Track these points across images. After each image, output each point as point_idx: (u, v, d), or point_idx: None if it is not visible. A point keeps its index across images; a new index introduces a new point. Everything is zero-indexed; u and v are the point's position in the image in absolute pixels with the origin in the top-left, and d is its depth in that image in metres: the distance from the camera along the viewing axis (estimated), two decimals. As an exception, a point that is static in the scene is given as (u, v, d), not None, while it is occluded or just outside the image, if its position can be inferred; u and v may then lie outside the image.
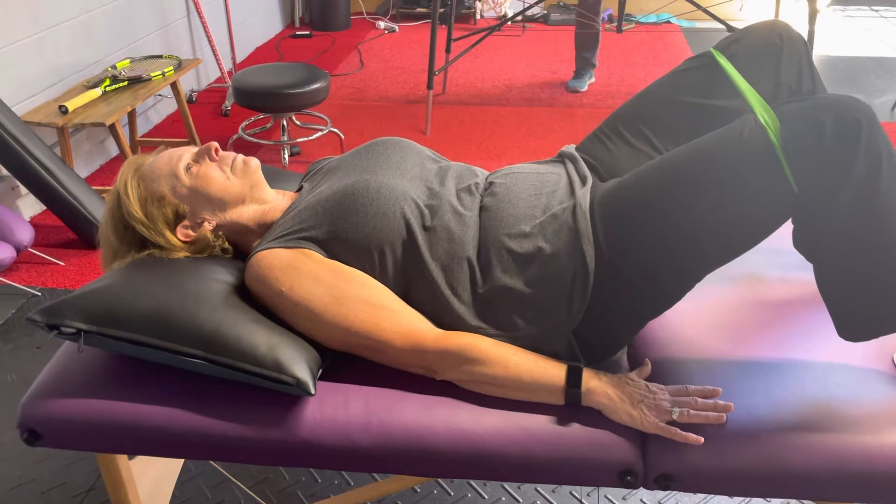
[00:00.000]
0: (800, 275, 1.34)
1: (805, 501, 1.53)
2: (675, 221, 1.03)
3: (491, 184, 1.24)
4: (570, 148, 1.31)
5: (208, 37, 3.66)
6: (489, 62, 4.32)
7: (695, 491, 1.05)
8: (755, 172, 0.98)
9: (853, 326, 1.04)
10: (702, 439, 0.99)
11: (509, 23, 4.90)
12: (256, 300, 1.13)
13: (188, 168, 1.22)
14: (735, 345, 1.19)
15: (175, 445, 1.08)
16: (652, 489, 1.05)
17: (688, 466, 1.02)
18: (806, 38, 3.00)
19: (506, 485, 1.60)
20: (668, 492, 1.15)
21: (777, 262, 1.37)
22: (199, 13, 3.64)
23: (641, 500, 1.51)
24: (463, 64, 4.26)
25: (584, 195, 1.15)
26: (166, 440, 1.08)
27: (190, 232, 1.21)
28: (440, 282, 1.12)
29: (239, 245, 1.25)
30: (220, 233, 1.22)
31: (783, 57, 1.24)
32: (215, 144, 1.24)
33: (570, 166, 1.25)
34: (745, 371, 1.13)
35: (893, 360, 1.13)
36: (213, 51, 3.69)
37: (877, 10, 5.18)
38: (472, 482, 1.60)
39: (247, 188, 1.23)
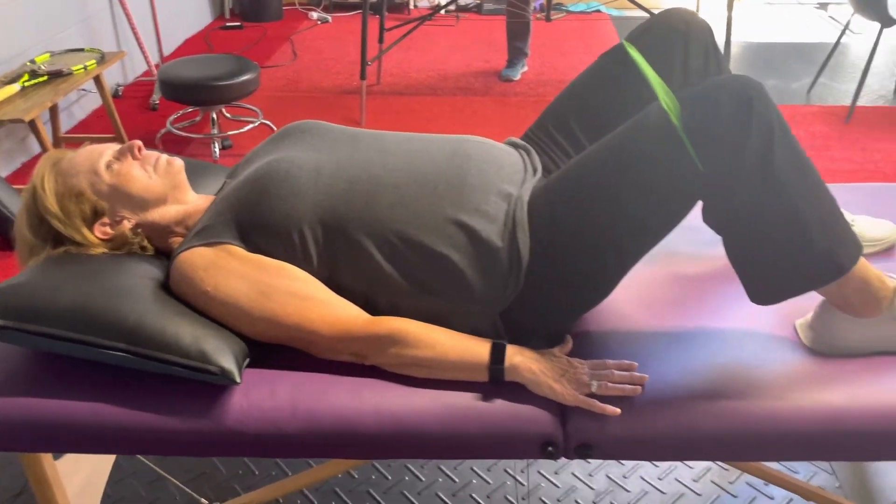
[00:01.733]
0: (711, 250, 1.40)
1: (720, 462, 1.61)
2: (597, 217, 1.07)
3: (456, 150, 1.21)
4: (517, 139, 1.34)
5: (133, 29, 3.57)
6: (423, 52, 4.33)
7: (614, 458, 1.10)
8: (663, 156, 1.03)
9: (762, 291, 1.09)
10: (618, 411, 1.04)
11: (443, 12, 4.92)
12: (183, 301, 1.13)
13: (109, 165, 1.20)
14: (652, 318, 1.24)
15: (100, 441, 1.07)
16: (572, 458, 1.10)
17: (606, 435, 1.07)
18: (725, 24, 3.11)
19: (443, 466, 1.63)
20: (598, 462, 1.20)
21: (690, 239, 1.44)
22: (123, 4, 3.54)
23: (573, 474, 1.57)
24: (397, 54, 4.26)
25: (528, 188, 1.18)
26: (90, 436, 1.07)
27: (108, 230, 1.20)
28: (370, 249, 1.12)
29: (159, 245, 1.24)
30: (140, 231, 1.21)
31: (690, 44, 1.30)
32: (138, 143, 1.22)
33: (524, 154, 1.28)
34: (660, 342, 1.18)
35: (795, 327, 1.20)
36: (139, 43, 3.60)
37: (795, -2, 5.39)
38: (410, 465, 1.62)
39: (168, 188, 1.22)
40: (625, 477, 1.58)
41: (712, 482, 1.59)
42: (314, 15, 4.97)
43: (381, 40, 3.71)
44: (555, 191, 1.14)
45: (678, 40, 1.30)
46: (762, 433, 1.07)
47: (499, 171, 1.19)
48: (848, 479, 1.59)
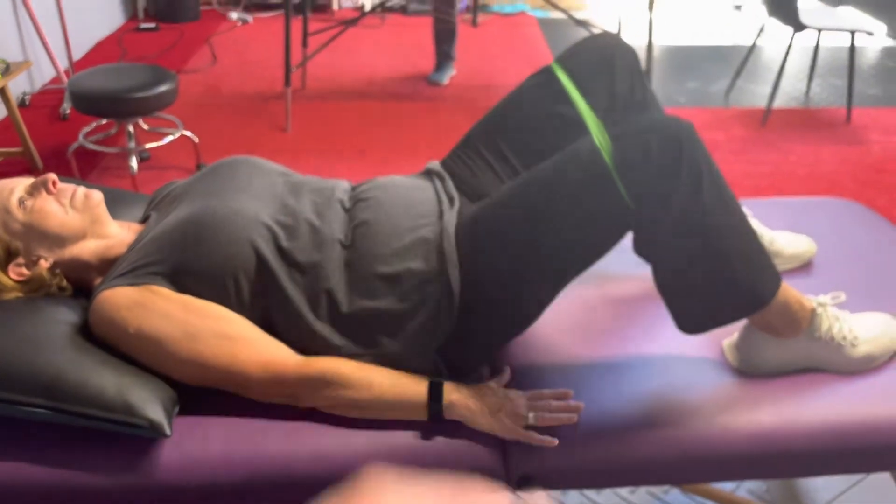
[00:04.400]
0: (641, 271, 1.43)
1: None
2: (527, 246, 1.08)
3: (358, 200, 1.23)
4: (436, 165, 1.33)
5: (40, 34, 3.38)
6: (349, 54, 4.27)
7: (555, 488, 1.11)
8: (595, 191, 1.04)
9: (689, 321, 1.13)
10: (555, 442, 1.05)
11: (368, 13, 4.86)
12: (104, 343, 1.07)
13: (22, 202, 1.13)
14: (585, 345, 1.26)
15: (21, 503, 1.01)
16: (514, 491, 1.10)
17: (545, 466, 1.08)
18: (646, 26, 3.19)
19: None
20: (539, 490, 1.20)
21: (623, 261, 1.46)
22: (28, 7, 3.35)
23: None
24: (322, 57, 4.19)
25: (450, 219, 1.17)
26: (14, 499, 1.01)
27: (24, 270, 1.13)
28: (300, 305, 1.10)
29: (79, 283, 1.18)
30: (58, 270, 1.15)
31: (616, 70, 1.32)
32: (53, 176, 1.16)
33: (439, 184, 1.27)
34: (593, 369, 1.20)
35: (722, 348, 1.24)
36: (47, 50, 3.41)
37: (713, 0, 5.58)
38: None
39: (87, 223, 1.16)
40: (563, 493, 1.60)
41: (647, 493, 1.63)
42: (233, 15, 4.83)
43: (305, 44, 3.64)
44: (485, 220, 1.13)
45: (606, 66, 1.32)
46: (696, 457, 1.10)
47: (408, 211, 1.19)
48: (776, 484, 1.66)
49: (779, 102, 3.69)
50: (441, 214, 1.19)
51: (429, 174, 1.31)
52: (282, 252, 1.12)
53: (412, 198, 1.22)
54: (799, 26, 3.21)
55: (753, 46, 3.64)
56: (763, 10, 3.42)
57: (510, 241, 1.09)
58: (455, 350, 1.13)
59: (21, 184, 1.16)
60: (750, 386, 1.17)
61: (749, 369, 1.19)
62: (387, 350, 1.11)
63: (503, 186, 1.17)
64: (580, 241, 1.07)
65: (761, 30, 3.57)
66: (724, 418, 1.12)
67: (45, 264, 1.14)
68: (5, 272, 1.13)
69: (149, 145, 2.86)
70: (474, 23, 3.57)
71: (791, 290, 1.15)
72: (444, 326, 1.11)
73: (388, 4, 5.10)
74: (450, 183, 1.27)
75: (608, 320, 1.32)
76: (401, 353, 1.11)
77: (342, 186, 1.27)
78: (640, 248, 1.11)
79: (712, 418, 1.12)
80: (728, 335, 1.25)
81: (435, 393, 1.07)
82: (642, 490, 1.64)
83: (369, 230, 1.16)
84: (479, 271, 1.11)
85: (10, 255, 1.13)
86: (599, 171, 1.03)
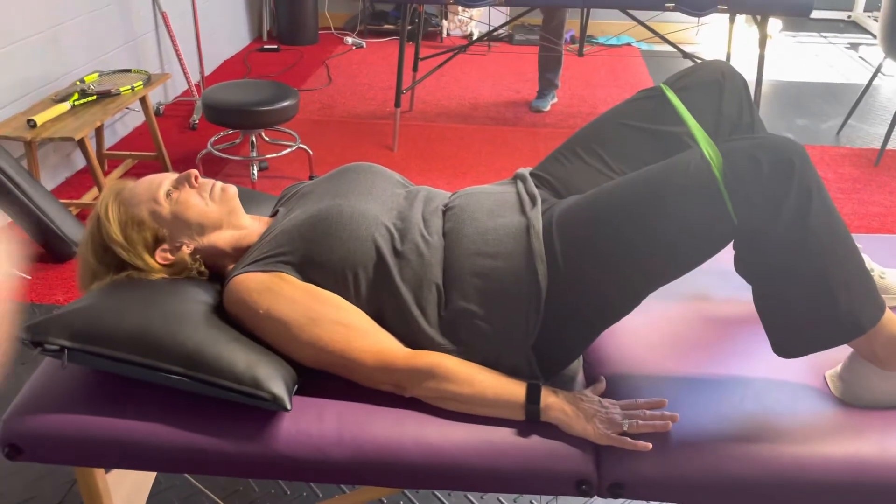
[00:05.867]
0: (744, 296, 1.44)
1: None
2: (627, 243, 1.11)
3: (449, 207, 1.31)
4: (524, 170, 1.39)
5: (177, 51, 3.69)
6: (455, 80, 4.41)
7: (644, 498, 1.14)
8: (699, 202, 1.07)
9: (785, 344, 1.14)
10: (650, 445, 1.08)
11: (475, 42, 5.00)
12: (235, 321, 1.19)
13: (168, 194, 1.27)
14: (682, 361, 1.28)
15: (154, 459, 1.13)
16: (605, 497, 1.14)
17: (637, 475, 1.10)
18: (756, 62, 3.16)
19: (469, 495, 1.66)
20: (621, 500, 1.23)
21: (724, 284, 1.48)
22: (168, 27, 3.66)
23: (598, 509, 1.60)
24: (429, 82, 4.35)
25: (536, 216, 1.22)
26: (146, 454, 1.12)
27: (168, 255, 1.26)
28: (410, 303, 1.18)
29: (215, 268, 1.30)
30: (198, 256, 1.28)
31: (725, 92, 1.34)
32: (195, 172, 1.29)
33: (521, 186, 1.33)
34: (690, 386, 1.22)
35: (825, 378, 1.24)
36: (182, 65, 3.71)
37: (825, 37, 5.42)
38: (437, 493, 1.66)
39: (224, 214, 1.29)
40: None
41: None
42: (349, 40, 5.08)
43: (415, 68, 3.80)
44: (578, 218, 1.17)
45: (715, 88, 1.35)
46: (791, 481, 1.10)
47: (491, 213, 1.25)
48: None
49: (894, 143, 3.55)
50: (523, 212, 1.24)
51: (514, 179, 1.38)
52: (397, 253, 1.21)
53: (496, 200, 1.29)
54: (921, 66, 3.09)
55: (869, 85, 3.53)
56: (879, 49, 3.32)
57: (603, 239, 1.12)
58: (545, 348, 1.17)
59: (168, 178, 1.30)
60: (852, 416, 1.16)
61: (852, 400, 1.18)
62: (482, 347, 1.17)
63: (599, 186, 1.20)
64: (680, 244, 1.08)
65: (878, 69, 3.46)
66: (824, 446, 1.11)
67: (186, 250, 1.27)
68: (153, 256, 1.26)
69: (268, 156, 3.06)
70: (580, 53, 3.63)
71: (900, 322, 1.14)
72: (533, 321, 1.16)
73: (495, 34, 5.24)
74: (531, 184, 1.32)
75: (708, 340, 1.33)
76: (497, 351, 1.17)
77: (443, 196, 1.35)
78: (741, 267, 1.13)
79: (811, 445, 1.12)
80: (832, 366, 1.24)
81: (533, 394, 1.13)
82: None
83: (455, 235, 1.23)
84: (567, 267, 1.14)
85: (158, 241, 1.26)
86: (706, 182, 1.05)
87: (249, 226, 1.32)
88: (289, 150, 3.11)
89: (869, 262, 1.41)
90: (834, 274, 1.06)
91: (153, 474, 1.58)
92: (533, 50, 4.92)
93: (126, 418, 1.13)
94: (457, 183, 3.13)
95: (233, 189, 1.32)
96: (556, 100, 4.05)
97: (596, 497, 1.15)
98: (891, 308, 1.38)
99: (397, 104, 3.36)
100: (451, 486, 1.13)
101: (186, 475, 1.68)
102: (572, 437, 1.12)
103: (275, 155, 3.09)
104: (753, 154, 1.04)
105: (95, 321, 1.12)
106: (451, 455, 1.11)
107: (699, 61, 1.41)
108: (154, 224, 1.25)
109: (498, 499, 1.65)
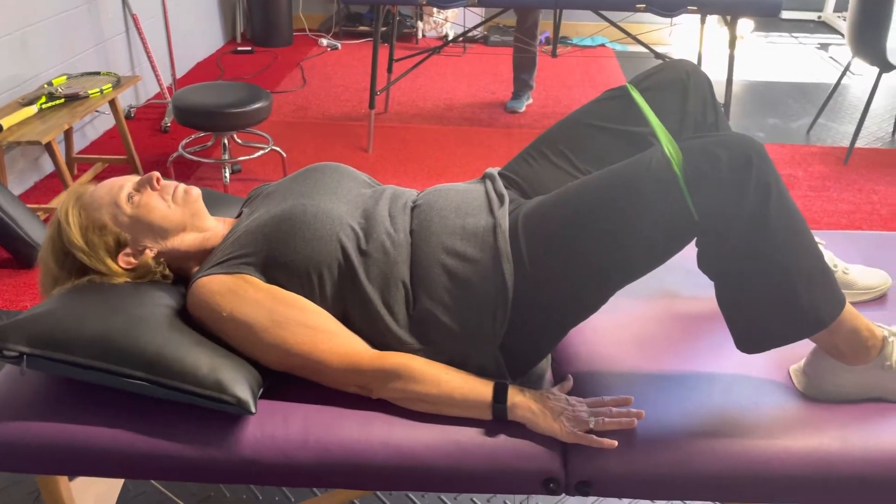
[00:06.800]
0: (710, 293, 1.45)
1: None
2: (592, 241, 1.11)
3: (417, 204, 1.30)
4: (493, 170, 1.40)
5: (148, 53, 3.65)
6: (430, 81, 4.41)
7: (611, 495, 1.14)
8: (661, 199, 1.07)
9: (747, 340, 1.15)
10: (615, 443, 1.08)
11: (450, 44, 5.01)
12: (199, 325, 1.17)
13: (130, 197, 1.25)
14: (649, 358, 1.29)
15: (118, 466, 1.11)
16: (573, 495, 1.14)
17: (604, 473, 1.11)
18: (727, 62, 3.19)
19: (443, 496, 1.66)
20: (592, 498, 1.23)
21: (690, 281, 1.49)
22: (139, 29, 3.62)
23: (570, 507, 1.60)
24: (404, 83, 4.34)
25: (503, 215, 1.22)
26: (109, 461, 1.11)
27: (131, 259, 1.25)
28: (377, 302, 1.18)
29: (179, 271, 1.29)
30: (162, 259, 1.26)
31: (689, 91, 1.36)
32: (157, 174, 1.28)
33: (489, 185, 1.33)
34: (656, 383, 1.23)
35: (789, 373, 1.25)
36: (153, 67, 3.68)
37: (796, 37, 5.49)
38: (411, 495, 1.66)
39: (188, 217, 1.27)
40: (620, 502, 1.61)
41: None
42: (324, 42, 5.06)
43: (390, 70, 3.79)
44: (543, 216, 1.17)
45: (679, 88, 1.36)
46: (756, 475, 1.11)
47: (458, 211, 1.25)
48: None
49: (862, 142, 3.61)
50: (491, 211, 1.25)
51: (483, 178, 1.38)
52: (362, 252, 1.20)
53: (462, 198, 1.29)
54: (886, 66, 3.14)
55: (838, 84, 3.58)
56: (848, 49, 3.37)
57: (568, 237, 1.13)
58: (513, 348, 1.18)
59: (129, 181, 1.28)
60: (815, 410, 1.17)
61: (815, 394, 1.20)
62: (449, 347, 1.17)
63: (564, 185, 1.21)
64: (644, 241, 1.09)
65: (846, 68, 3.51)
66: (787, 440, 1.12)
67: (150, 254, 1.25)
68: (115, 260, 1.24)
69: (241, 158, 3.04)
70: (553, 53, 3.65)
71: (861, 317, 1.15)
72: (500, 320, 1.16)
73: (470, 35, 5.24)
74: (499, 183, 1.33)
75: (674, 337, 1.34)
76: (464, 350, 1.17)
77: (411, 194, 1.35)
78: (703, 263, 1.13)
79: (775, 439, 1.13)
80: (795, 361, 1.26)
81: (500, 394, 1.12)
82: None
83: (424, 232, 1.23)
84: (534, 267, 1.15)
85: (120, 245, 1.25)
86: (667, 180, 1.06)
87: (213, 227, 1.31)
88: (262, 152, 3.09)
89: (832, 259, 1.43)
90: (794, 269, 1.07)
91: (120, 481, 1.56)
92: (508, 51, 4.93)
93: (87, 424, 1.11)
94: (431, 184, 3.12)
95: (196, 191, 1.30)
96: (531, 101, 4.07)
97: (567, 497, 1.15)
98: (855, 303, 1.40)
99: (371, 105, 3.35)
100: (420, 487, 1.12)
101: (154, 482, 1.66)
102: (539, 435, 1.12)
103: (247, 157, 3.06)
104: (712, 151, 1.05)
105: (55, 326, 1.10)
106: (418, 456, 1.11)
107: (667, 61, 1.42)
108: (116, 228, 1.24)
109: (471, 499, 1.65)
